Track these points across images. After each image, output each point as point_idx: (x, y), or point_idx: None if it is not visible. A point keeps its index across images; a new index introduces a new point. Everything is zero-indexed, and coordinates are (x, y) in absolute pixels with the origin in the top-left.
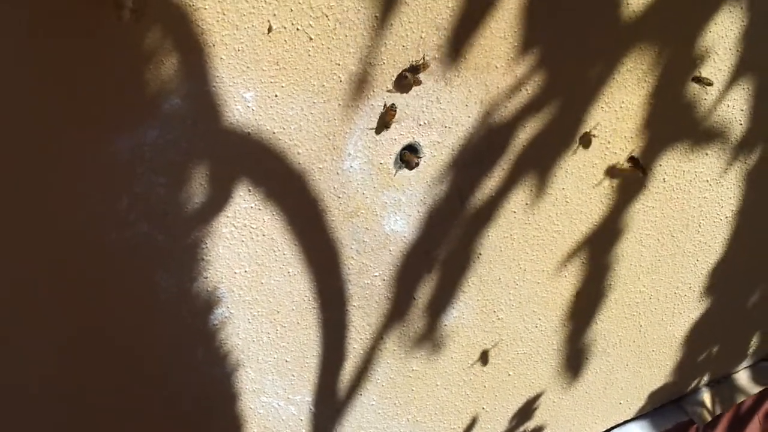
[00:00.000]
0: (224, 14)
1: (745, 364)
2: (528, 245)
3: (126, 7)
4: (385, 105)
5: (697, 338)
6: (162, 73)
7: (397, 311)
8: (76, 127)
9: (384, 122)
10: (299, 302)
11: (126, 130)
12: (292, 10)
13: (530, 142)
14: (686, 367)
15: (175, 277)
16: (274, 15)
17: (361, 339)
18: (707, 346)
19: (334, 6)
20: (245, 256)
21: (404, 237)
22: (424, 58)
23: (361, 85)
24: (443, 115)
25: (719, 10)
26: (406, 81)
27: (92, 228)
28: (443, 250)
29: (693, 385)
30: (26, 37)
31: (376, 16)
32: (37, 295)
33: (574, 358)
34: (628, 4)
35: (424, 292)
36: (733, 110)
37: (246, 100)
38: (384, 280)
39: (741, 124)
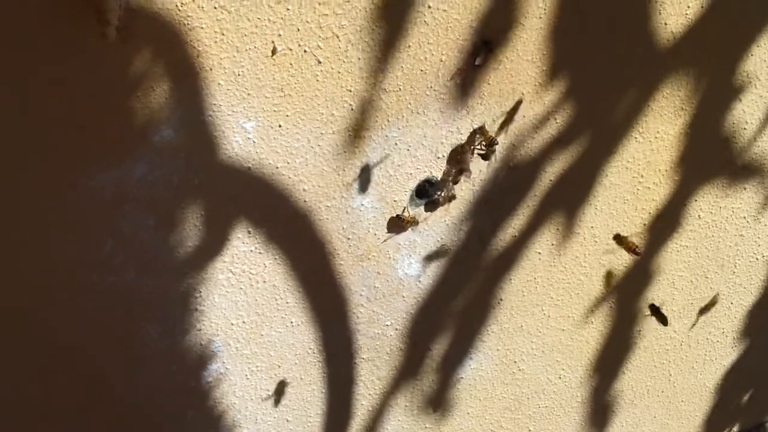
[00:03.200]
0: (223, 34)
1: None
2: (553, 289)
3: (111, 24)
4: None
5: (728, 386)
6: (152, 101)
7: (409, 364)
8: (53, 160)
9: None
10: (303, 355)
11: (110, 165)
12: (299, 30)
13: (558, 177)
14: (716, 418)
15: (165, 329)
16: (279, 35)
17: (370, 395)
18: (739, 395)
19: (346, 26)
20: (244, 305)
21: (419, 282)
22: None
23: (374, 113)
24: None
25: (762, 30)
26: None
27: (70, 273)
28: (461, 296)
29: None
30: None
31: (392, 37)
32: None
33: (599, 412)
34: (665, 24)
35: (439, 342)
36: None
37: (246, 130)
38: (396, 329)
39: None
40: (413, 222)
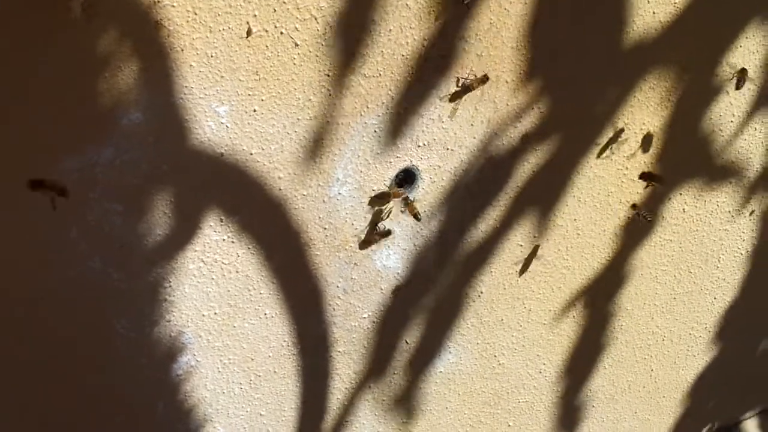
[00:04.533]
0: (195, 13)
1: (754, 411)
2: (534, 282)
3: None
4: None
5: (708, 382)
6: (119, 82)
7: (386, 357)
8: (16, 142)
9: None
10: (277, 348)
11: (75, 148)
12: (275, 11)
13: (541, 168)
14: (695, 414)
15: (133, 320)
16: (255, 15)
17: (345, 389)
18: (717, 391)
19: (324, 7)
20: (215, 296)
21: (397, 273)
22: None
23: (353, 99)
24: (445, 136)
25: (750, 21)
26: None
27: (33, 262)
28: (440, 288)
29: None
30: None
31: (373, 20)
32: None
33: (580, 407)
34: (654, 13)
35: (417, 335)
36: (761, 135)
37: (219, 114)
38: (373, 322)
39: None
40: (399, 196)
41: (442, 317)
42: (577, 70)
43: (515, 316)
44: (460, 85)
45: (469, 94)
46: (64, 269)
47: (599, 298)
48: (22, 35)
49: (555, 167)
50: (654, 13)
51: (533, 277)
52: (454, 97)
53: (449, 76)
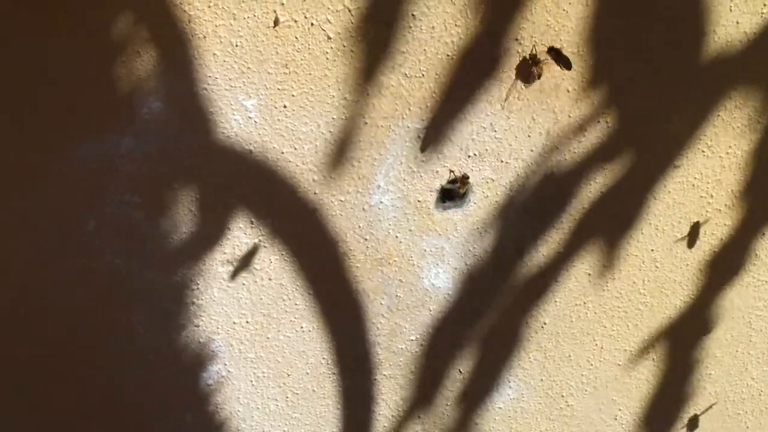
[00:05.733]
0: None
1: None
2: (606, 317)
3: None
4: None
5: None
6: (138, 68)
7: (437, 385)
8: (32, 128)
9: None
10: (315, 365)
11: (94, 136)
12: (304, 0)
13: (610, 188)
14: None
15: (157, 322)
16: (282, 4)
17: (392, 416)
18: None
19: None
20: (247, 303)
21: (448, 294)
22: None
23: (393, 100)
24: (499, 147)
25: None
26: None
27: (50, 254)
28: (497, 314)
29: None
30: None
31: (413, 15)
32: None
33: None
34: (737, 23)
35: (472, 365)
36: None
37: (246, 108)
38: (422, 345)
39: None
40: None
41: (501, 347)
42: (649, 82)
43: (584, 353)
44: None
45: (527, 96)
46: (82, 261)
47: (683, 340)
48: (41, 20)
49: (627, 189)
50: (738, 23)
51: (605, 311)
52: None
53: (501, 80)
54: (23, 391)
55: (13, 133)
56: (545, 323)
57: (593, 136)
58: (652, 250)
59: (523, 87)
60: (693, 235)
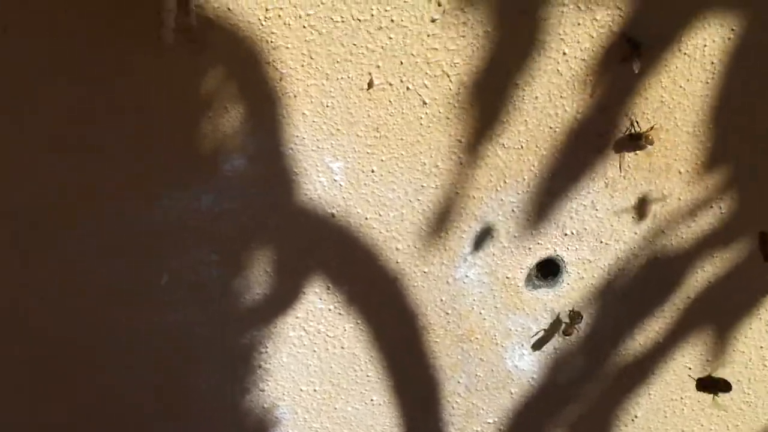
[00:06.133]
0: (312, 58)
1: None
2: (704, 415)
3: (167, 26)
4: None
5: None
6: (225, 124)
7: None
8: (112, 181)
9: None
10: None
11: (174, 191)
12: (402, 63)
13: (720, 279)
14: None
15: (223, 382)
16: (378, 66)
17: None
18: None
19: (459, 64)
20: (316, 371)
21: (532, 378)
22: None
23: (488, 171)
24: (599, 227)
25: None
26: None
27: (123, 306)
28: (585, 403)
29: None
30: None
31: (516, 84)
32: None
33: None
34: None
35: None
36: None
37: (333, 171)
38: (500, 430)
39: None
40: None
41: None
42: None
43: None
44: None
45: (632, 171)
46: (154, 315)
47: None
48: (132, 66)
49: (738, 282)
50: None
51: (703, 408)
52: (618, 148)
53: (607, 157)
54: None
55: (93, 183)
56: (636, 416)
57: (704, 222)
58: (761, 347)
59: (630, 166)
60: None
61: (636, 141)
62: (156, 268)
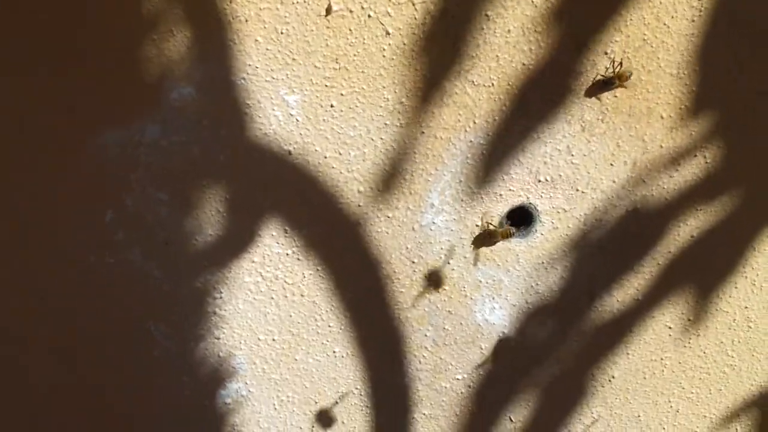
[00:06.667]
0: None
1: None
2: (685, 378)
3: None
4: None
5: None
6: (170, 49)
7: None
8: (49, 112)
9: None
10: (346, 395)
11: (117, 122)
12: None
13: (704, 234)
14: None
15: (175, 329)
16: None
17: None
18: None
19: None
20: (275, 319)
21: (503, 333)
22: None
23: (456, 110)
24: (574, 174)
25: None
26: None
27: (62, 246)
28: (558, 360)
29: None
30: None
31: (486, 15)
32: None
33: None
34: None
35: (526, 414)
36: None
37: (289, 104)
38: (469, 387)
39: None
40: (508, 236)
41: (560, 398)
42: (760, 115)
43: (658, 415)
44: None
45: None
46: (98, 257)
47: None
48: None
49: (723, 236)
50: None
51: (685, 370)
52: (589, 93)
53: (585, 99)
54: (20, 396)
55: (28, 115)
56: (613, 377)
57: (688, 172)
58: (746, 307)
59: (609, 108)
60: None
61: (609, 85)
62: (99, 206)
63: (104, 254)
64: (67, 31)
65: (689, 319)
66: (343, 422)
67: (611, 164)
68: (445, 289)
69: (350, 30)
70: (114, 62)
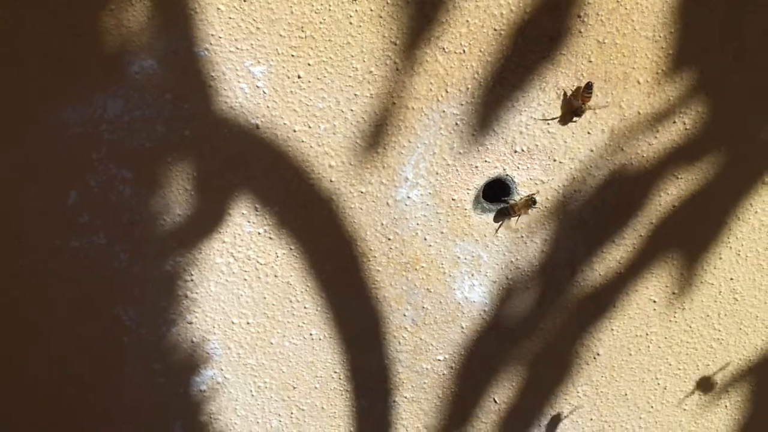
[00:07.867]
0: None
1: None
2: (672, 353)
3: None
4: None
5: None
6: (129, 20)
7: (467, 415)
8: (2, 89)
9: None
10: (325, 379)
11: (77, 97)
12: None
13: (685, 202)
14: None
15: (144, 314)
16: None
17: None
18: None
19: None
20: (248, 301)
21: (483, 311)
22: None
23: (428, 79)
24: (551, 143)
25: None
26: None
27: (23, 230)
28: (541, 339)
29: None
30: None
31: None
32: None
33: None
34: None
35: (510, 395)
36: None
37: (254, 76)
38: (451, 368)
39: None
40: (526, 208)
41: (544, 378)
42: (738, 80)
43: (644, 392)
44: (562, 99)
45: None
46: (63, 240)
47: (762, 387)
48: None
49: (706, 205)
50: None
51: (671, 346)
52: (564, 120)
53: (559, 64)
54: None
55: None
56: (598, 354)
57: (667, 139)
58: (732, 279)
59: (585, 75)
60: None
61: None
62: (61, 188)
63: (69, 238)
64: (19, 1)
65: (674, 292)
66: (323, 407)
67: (588, 132)
68: (422, 266)
69: None
70: (70, 34)
